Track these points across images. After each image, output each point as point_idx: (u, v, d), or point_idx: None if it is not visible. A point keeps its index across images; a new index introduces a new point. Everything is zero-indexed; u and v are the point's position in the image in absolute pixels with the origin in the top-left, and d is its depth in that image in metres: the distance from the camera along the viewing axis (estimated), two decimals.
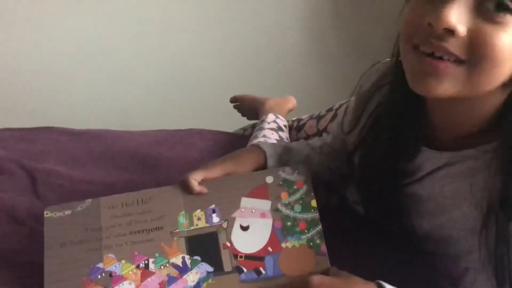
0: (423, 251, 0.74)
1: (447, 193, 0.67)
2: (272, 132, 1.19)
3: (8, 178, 1.06)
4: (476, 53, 0.55)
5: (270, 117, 1.25)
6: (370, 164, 0.75)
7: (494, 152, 0.61)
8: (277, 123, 1.24)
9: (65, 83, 2.04)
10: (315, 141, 0.94)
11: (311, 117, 1.28)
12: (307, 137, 1.23)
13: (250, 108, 1.43)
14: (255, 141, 1.14)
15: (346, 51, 2.09)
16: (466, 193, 0.65)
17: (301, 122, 1.29)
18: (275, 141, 1.17)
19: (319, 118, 1.24)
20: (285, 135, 1.22)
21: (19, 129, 1.32)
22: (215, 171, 0.76)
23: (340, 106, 1.19)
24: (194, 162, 1.15)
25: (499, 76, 0.56)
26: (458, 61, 0.56)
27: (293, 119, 1.34)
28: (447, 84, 0.57)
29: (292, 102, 1.39)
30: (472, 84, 0.57)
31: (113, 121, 1.89)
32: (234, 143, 1.26)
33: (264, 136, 1.16)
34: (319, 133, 1.20)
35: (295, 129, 1.28)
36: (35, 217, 0.94)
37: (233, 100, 1.50)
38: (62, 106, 2.04)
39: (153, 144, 1.27)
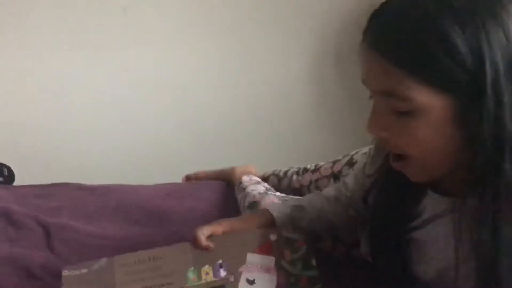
0: None
1: (452, 237, 0.69)
2: (256, 185, 1.24)
3: (25, 233, 1.11)
4: (404, 149, 0.63)
5: (245, 178, 1.30)
6: (379, 206, 0.78)
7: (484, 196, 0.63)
8: (254, 179, 1.29)
9: (78, 138, 2.11)
10: (330, 191, 0.96)
11: (327, 162, 1.32)
12: (321, 177, 1.27)
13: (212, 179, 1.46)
14: (249, 199, 1.18)
15: (348, 100, 2.13)
16: (463, 240, 0.67)
17: (318, 166, 1.33)
18: (264, 188, 1.21)
19: (334, 162, 1.28)
20: (265, 185, 1.26)
21: (35, 186, 1.37)
22: (221, 227, 0.80)
23: (356, 152, 1.22)
24: (203, 214, 1.18)
25: (440, 156, 0.62)
26: (403, 158, 0.65)
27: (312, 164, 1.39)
28: (417, 176, 0.66)
29: (254, 168, 1.43)
30: (430, 169, 0.64)
31: (125, 175, 1.95)
32: None
33: (252, 190, 1.20)
34: (333, 174, 1.24)
35: (311, 171, 1.32)
36: (49, 272, 0.97)
37: (188, 179, 1.51)
38: (76, 161, 2.09)
39: (163, 198, 1.31)
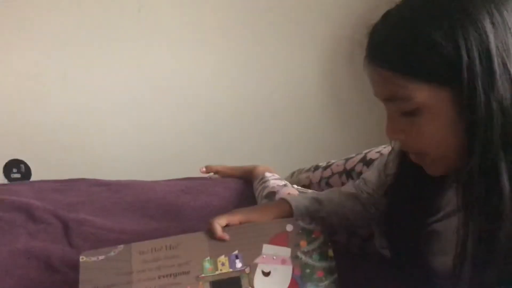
0: None
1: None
2: (277, 180, 1.24)
3: (44, 228, 1.13)
4: (417, 147, 0.68)
5: (268, 174, 1.31)
6: (399, 200, 0.79)
7: None
8: (276, 176, 1.30)
9: (93, 134, 2.14)
10: (348, 188, 0.97)
11: (340, 159, 1.33)
12: (332, 174, 1.28)
13: (235, 176, 1.47)
14: (268, 190, 1.19)
15: (360, 100, 2.13)
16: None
17: (329, 163, 1.35)
18: (284, 183, 1.22)
19: (347, 159, 1.28)
20: (285, 182, 1.27)
21: (54, 181, 1.40)
22: (237, 217, 0.81)
23: (370, 151, 1.23)
24: (217, 210, 1.19)
25: (450, 150, 0.66)
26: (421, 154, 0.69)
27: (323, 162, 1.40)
28: (438, 169, 0.70)
29: (272, 170, 1.44)
30: (447, 163, 0.68)
31: (139, 171, 1.97)
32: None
33: (273, 183, 1.21)
34: (345, 171, 1.25)
35: (323, 167, 1.33)
36: (68, 264, 0.99)
37: (206, 171, 1.52)
38: (91, 157, 2.12)
39: (179, 193, 1.32)
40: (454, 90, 0.62)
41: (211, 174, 1.52)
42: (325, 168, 1.32)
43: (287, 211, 0.85)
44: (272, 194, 1.15)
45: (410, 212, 0.77)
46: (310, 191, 1.17)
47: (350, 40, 2.13)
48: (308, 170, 1.36)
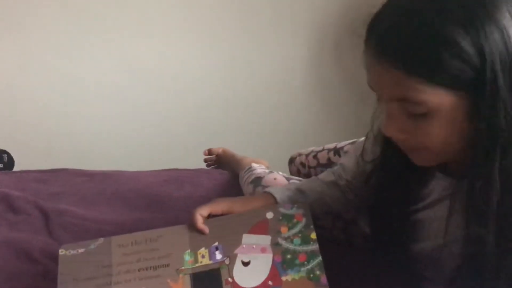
0: (424, 278, 0.76)
1: (450, 218, 0.71)
2: (263, 170, 1.24)
3: (25, 218, 1.11)
4: (420, 143, 0.65)
5: (255, 165, 1.31)
6: (384, 189, 0.79)
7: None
8: (263, 166, 1.30)
9: (78, 124, 2.12)
10: (327, 176, 0.97)
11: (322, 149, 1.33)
12: (323, 149, 1.29)
13: (227, 162, 1.48)
14: (255, 176, 1.19)
15: (347, 91, 2.14)
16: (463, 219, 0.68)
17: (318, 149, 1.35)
18: (270, 171, 1.22)
19: (337, 150, 1.28)
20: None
21: (35, 171, 1.38)
22: (220, 207, 0.80)
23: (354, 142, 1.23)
24: (201, 201, 1.17)
25: (449, 144, 0.64)
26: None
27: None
28: (432, 160, 0.69)
29: (264, 163, 1.44)
30: (443, 156, 0.68)
31: (125, 161, 1.95)
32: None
33: (259, 171, 1.21)
34: (335, 149, 1.25)
35: (307, 155, 1.34)
36: (48, 255, 0.98)
37: (208, 152, 1.55)
38: (76, 147, 2.10)
39: (162, 184, 1.32)
40: (472, 98, 0.60)
41: (213, 157, 1.53)
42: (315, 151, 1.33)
43: (271, 203, 0.85)
44: (258, 179, 1.15)
45: (394, 201, 0.77)
46: (295, 177, 1.16)
47: (335, 32, 2.14)
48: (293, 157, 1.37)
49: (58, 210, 1.14)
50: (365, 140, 0.88)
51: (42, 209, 1.14)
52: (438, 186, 0.74)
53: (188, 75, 2.16)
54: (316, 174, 1.29)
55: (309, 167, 1.32)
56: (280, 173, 1.22)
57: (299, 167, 1.36)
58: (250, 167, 1.27)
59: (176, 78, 2.15)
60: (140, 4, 2.05)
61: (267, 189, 0.90)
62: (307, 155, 1.33)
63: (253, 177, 1.19)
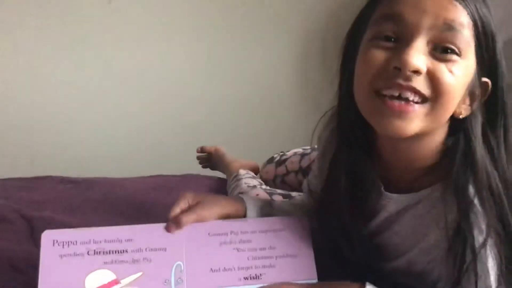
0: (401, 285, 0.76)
1: (415, 230, 0.71)
2: (250, 179, 1.25)
3: (9, 227, 1.09)
4: (435, 89, 0.63)
5: (242, 171, 1.31)
6: (331, 210, 0.77)
7: (446, 187, 0.67)
8: (250, 173, 1.31)
9: (62, 130, 2.09)
10: (296, 200, 0.96)
11: (295, 154, 1.32)
12: (288, 172, 1.28)
13: (218, 162, 1.49)
14: (239, 190, 1.18)
15: (333, 92, 2.15)
16: (431, 226, 0.69)
17: (284, 157, 1.34)
18: (257, 183, 1.22)
19: (302, 155, 1.27)
20: (259, 180, 1.28)
21: (19, 179, 1.36)
22: (193, 217, 0.76)
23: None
24: None
25: (453, 107, 0.65)
26: (422, 101, 0.63)
27: (279, 152, 1.39)
28: (415, 124, 0.64)
29: (255, 165, 1.43)
30: (434, 119, 0.65)
31: (111, 167, 1.93)
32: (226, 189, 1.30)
33: (246, 183, 1.21)
34: (301, 170, 1.24)
35: (276, 162, 1.33)
36: (33, 265, 0.95)
37: (201, 150, 1.56)
38: (60, 153, 2.08)
39: (149, 190, 1.30)
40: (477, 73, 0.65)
41: (205, 154, 1.53)
42: (279, 163, 1.31)
43: (242, 209, 0.82)
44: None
45: (345, 220, 0.76)
46: (278, 191, 1.16)
47: (322, 35, 2.15)
48: (265, 163, 1.37)
49: (43, 218, 1.12)
50: (312, 169, 0.89)
51: (26, 218, 1.12)
52: (388, 204, 0.74)
53: (173, 78, 2.16)
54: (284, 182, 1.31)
55: (279, 175, 1.31)
56: (264, 187, 1.21)
57: (273, 186, 1.33)
58: (237, 175, 1.27)
59: (161, 81, 2.15)
60: (123, 6, 2.04)
61: (242, 195, 0.88)
62: (274, 180, 1.31)
63: (236, 191, 1.18)
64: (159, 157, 2.13)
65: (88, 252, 0.72)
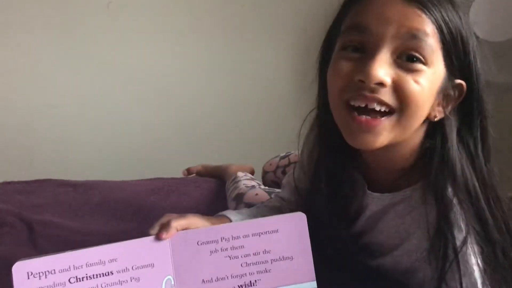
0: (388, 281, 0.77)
1: (398, 229, 0.73)
2: (249, 181, 1.25)
3: (9, 231, 1.10)
4: (401, 100, 0.64)
5: (240, 173, 1.32)
6: (318, 210, 0.78)
7: (425, 187, 0.69)
8: (248, 175, 1.32)
9: (61, 134, 2.09)
10: (273, 202, 0.96)
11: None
12: (290, 163, 1.30)
13: (210, 175, 1.49)
14: (237, 192, 1.19)
15: None
16: (413, 226, 0.71)
17: (288, 153, 1.37)
18: (255, 184, 1.23)
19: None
20: (257, 182, 1.29)
21: (18, 182, 1.36)
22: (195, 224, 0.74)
23: None
24: (188, 211, 1.17)
25: (422, 116, 0.66)
26: (389, 113, 0.64)
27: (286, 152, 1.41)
28: (383, 137, 0.65)
29: (251, 168, 1.44)
30: (403, 129, 0.66)
31: (109, 171, 1.93)
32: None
33: (245, 184, 1.22)
34: None
35: (281, 156, 1.36)
36: None
37: (188, 172, 1.54)
38: (60, 158, 2.08)
39: (148, 193, 1.31)
40: (447, 79, 0.66)
41: (193, 175, 1.52)
42: (283, 157, 1.34)
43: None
44: (240, 195, 1.16)
45: (329, 218, 0.77)
46: (277, 190, 1.17)
47: (322, 36, 2.15)
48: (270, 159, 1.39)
49: (43, 222, 1.13)
50: (292, 171, 0.90)
51: (26, 221, 1.12)
52: (370, 204, 0.76)
53: (173, 78, 2.16)
54: None
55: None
56: (262, 187, 1.22)
57: (271, 185, 1.35)
58: (236, 177, 1.27)
59: (161, 82, 2.15)
60: (122, 9, 2.05)
61: (223, 212, 0.87)
62: (275, 172, 1.33)
63: (235, 192, 1.19)
64: (158, 159, 2.13)
65: (69, 280, 0.65)
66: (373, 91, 0.63)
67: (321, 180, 0.76)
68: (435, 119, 0.68)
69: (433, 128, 0.69)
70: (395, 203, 0.73)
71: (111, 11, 2.04)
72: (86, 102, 2.08)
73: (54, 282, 0.64)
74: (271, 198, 1.03)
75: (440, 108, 0.67)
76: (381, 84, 0.62)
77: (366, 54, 0.64)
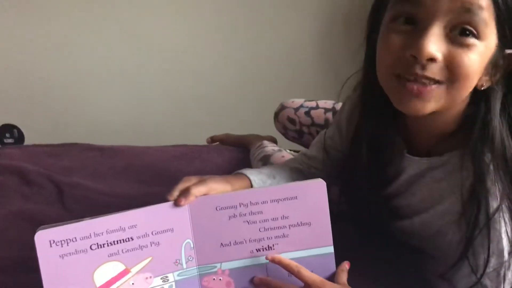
0: (411, 248, 0.79)
1: (432, 193, 0.74)
2: (276, 147, 1.26)
3: (38, 191, 1.14)
4: (452, 74, 0.63)
5: (265, 142, 1.32)
6: (355, 172, 0.80)
7: (464, 153, 0.69)
8: (273, 144, 1.32)
9: (90, 100, 2.13)
10: (293, 163, 0.96)
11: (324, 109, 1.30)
12: (317, 107, 1.28)
13: (233, 144, 1.48)
14: (264, 153, 1.21)
15: (356, 64, 2.13)
16: (448, 191, 0.72)
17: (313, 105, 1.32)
18: (279, 149, 1.24)
19: (336, 111, 1.27)
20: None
21: (47, 145, 1.40)
22: (204, 189, 0.74)
23: None
24: None
25: (471, 87, 0.66)
26: (439, 81, 0.64)
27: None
28: (432, 104, 0.65)
29: (273, 138, 1.44)
30: (451, 99, 0.66)
31: (130, 136, 1.97)
32: (249, 159, 1.32)
33: (272, 148, 1.23)
34: (333, 109, 1.24)
35: (296, 109, 1.31)
36: None
37: (211, 140, 1.54)
38: (87, 122, 2.12)
39: (172, 159, 1.33)
40: (498, 51, 0.64)
41: (217, 143, 1.54)
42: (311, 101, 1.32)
43: (246, 184, 0.83)
44: (267, 157, 1.17)
45: (366, 184, 0.78)
46: (304, 150, 1.18)
47: (346, 6, 2.12)
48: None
49: (71, 183, 1.16)
50: (325, 132, 0.91)
51: (55, 182, 1.16)
52: (409, 167, 0.76)
53: (198, 51, 2.16)
54: (310, 133, 1.29)
55: (301, 124, 1.29)
56: (288, 150, 1.23)
57: (285, 123, 1.31)
58: (262, 144, 1.28)
59: (184, 54, 2.15)
60: None
61: (242, 170, 0.87)
62: (296, 110, 1.30)
63: (262, 154, 1.20)
64: (183, 126, 2.16)
65: (91, 247, 0.66)
66: (424, 67, 0.63)
67: (363, 141, 0.77)
68: (482, 88, 0.68)
69: (478, 96, 0.69)
70: (433, 168, 0.74)
71: None
72: (111, 70, 2.11)
73: (76, 249, 0.66)
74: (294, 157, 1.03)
75: (488, 78, 0.67)
76: (433, 59, 0.62)
77: (418, 27, 0.63)
